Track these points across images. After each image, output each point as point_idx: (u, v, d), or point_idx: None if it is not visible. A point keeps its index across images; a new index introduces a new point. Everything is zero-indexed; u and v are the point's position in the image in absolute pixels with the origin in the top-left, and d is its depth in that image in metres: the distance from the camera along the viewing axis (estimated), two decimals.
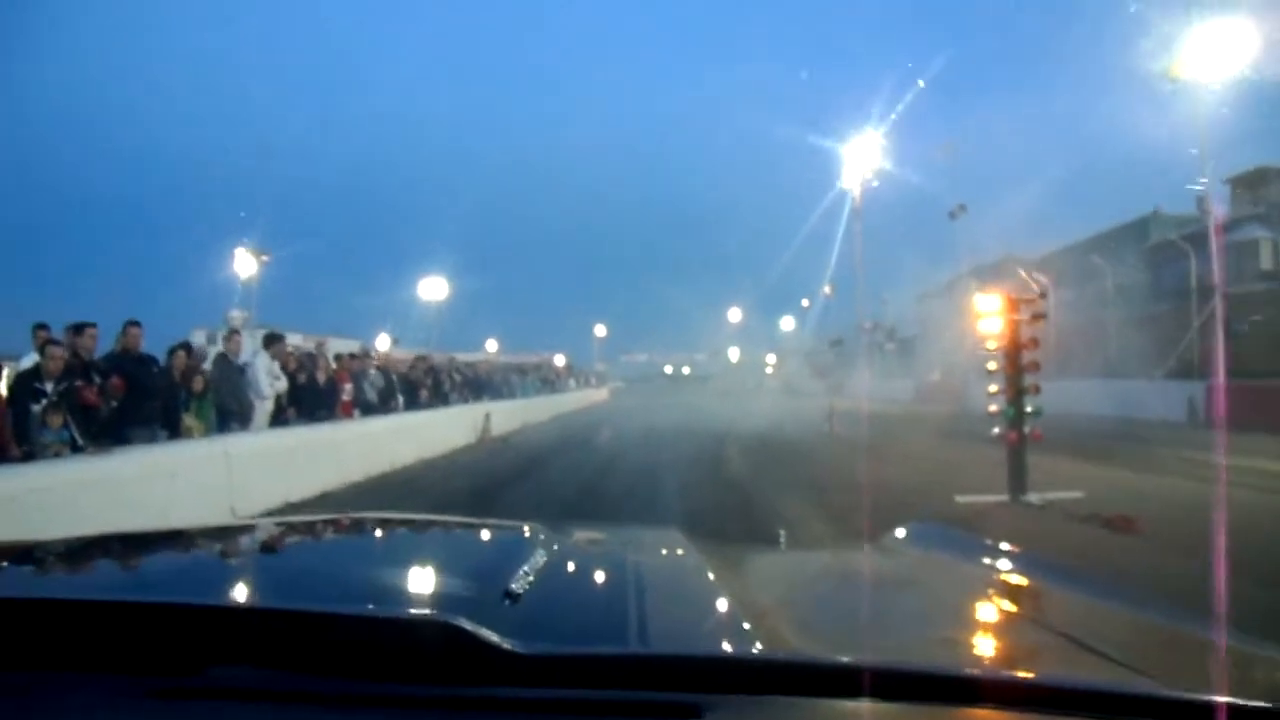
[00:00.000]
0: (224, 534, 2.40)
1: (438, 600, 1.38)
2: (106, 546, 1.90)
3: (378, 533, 2.22)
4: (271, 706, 0.98)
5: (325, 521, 2.45)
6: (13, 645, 1.07)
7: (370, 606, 1.22)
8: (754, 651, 1.21)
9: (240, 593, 1.49)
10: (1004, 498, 9.66)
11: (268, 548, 1.98)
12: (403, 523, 2.34)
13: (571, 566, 1.81)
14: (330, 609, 1.14)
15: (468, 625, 1.02)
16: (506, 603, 1.28)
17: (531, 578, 1.45)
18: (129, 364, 9.75)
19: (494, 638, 1.01)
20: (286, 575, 1.72)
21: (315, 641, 1.05)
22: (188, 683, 1.00)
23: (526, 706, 0.99)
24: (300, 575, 1.69)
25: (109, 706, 0.98)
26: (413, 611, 1.24)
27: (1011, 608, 1.62)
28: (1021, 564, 1.94)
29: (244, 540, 2.10)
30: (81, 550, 1.84)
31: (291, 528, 2.33)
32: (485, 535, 2.22)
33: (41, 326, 9.62)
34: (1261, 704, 0.99)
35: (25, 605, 1.17)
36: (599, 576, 1.79)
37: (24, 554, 1.69)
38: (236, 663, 1.03)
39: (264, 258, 42.19)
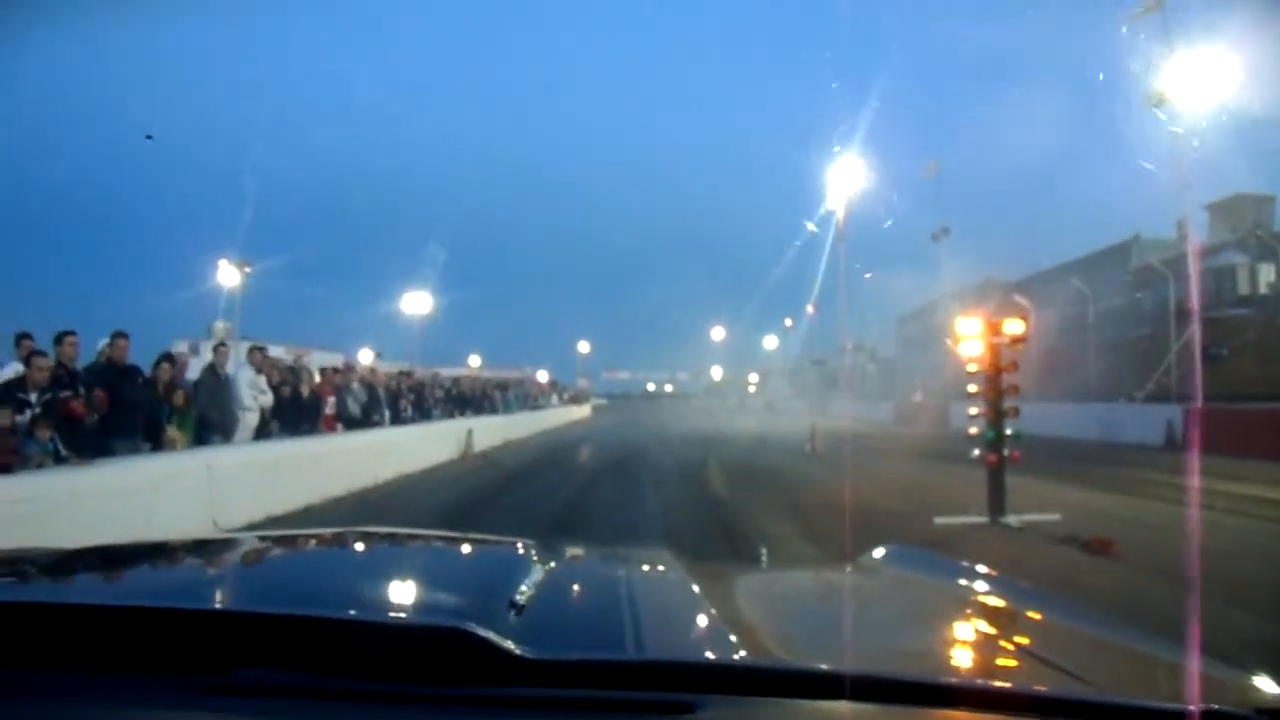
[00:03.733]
0: (235, 545, 2.46)
1: (447, 609, 1.45)
2: (124, 555, 1.98)
3: (383, 547, 2.29)
4: (297, 703, 1.06)
5: (334, 534, 2.52)
6: (46, 646, 1.16)
7: (388, 614, 1.30)
8: (742, 656, 1.29)
9: (263, 599, 1.55)
10: (983, 519, 9.73)
11: (279, 559, 2.07)
12: (405, 537, 2.41)
13: (568, 580, 1.88)
14: (350, 615, 1.23)
15: (479, 631, 1.10)
16: (511, 613, 1.36)
17: (532, 590, 1.53)
18: (114, 375, 9.73)
19: (504, 643, 1.09)
20: (302, 584, 1.79)
21: (337, 645, 1.13)
22: (220, 681, 1.07)
23: (534, 704, 1.07)
24: (315, 584, 1.77)
25: (159, 703, 1.05)
26: (427, 618, 1.31)
27: (981, 625, 1.70)
28: (993, 585, 2.02)
29: (256, 551, 2.17)
30: (102, 558, 1.91)
31: (300, 540, 2.41)
32: (484, 550, 2.30)
33: (25, 336, 9.58)
34: (1181, 707, 1.07)
35: (61, 610, 1.25)
36: (595, 590, 1.87)
37: (47, 561, 1.75)
38: (263, 664, 1.10)
39: (247, 269, 42.05)
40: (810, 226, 44.66)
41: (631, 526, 10.56)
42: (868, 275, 45.19)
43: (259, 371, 12.80)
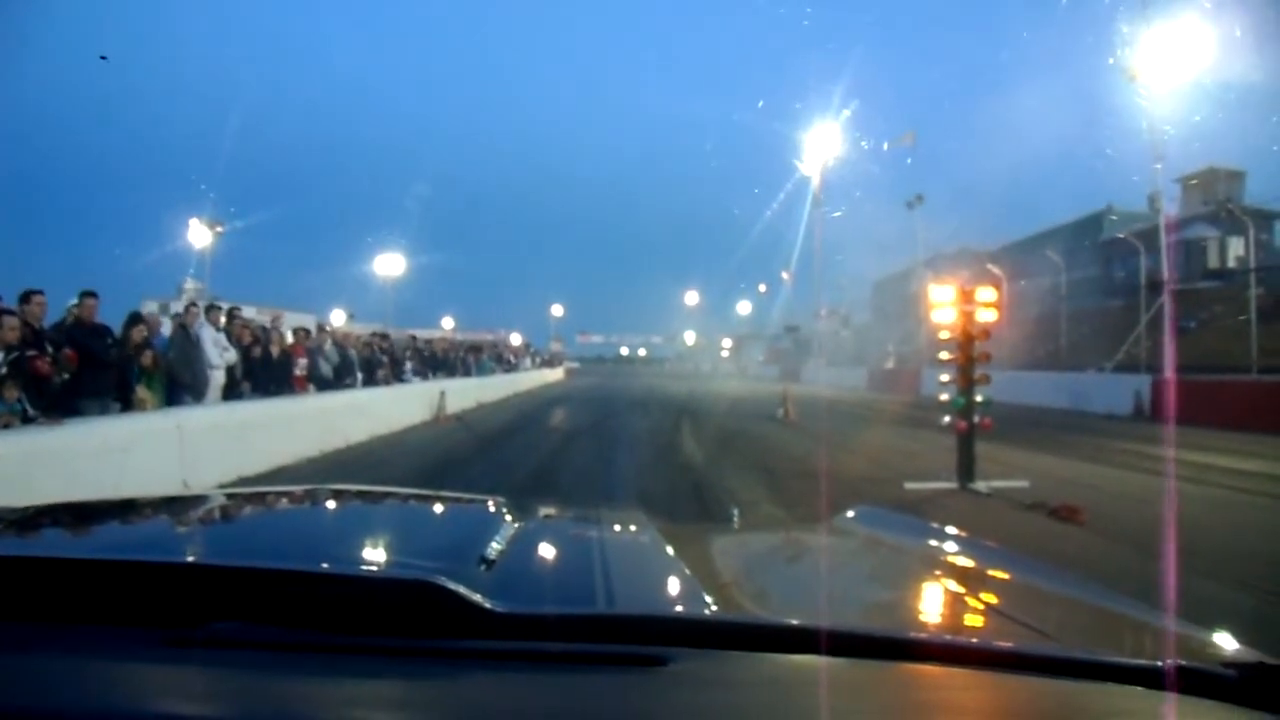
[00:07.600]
0: (205, 501, 2.46)
1: (418, 563, 1.45)
2: (93, 511, 1.97)
3: (354, 503, 2.29)
4: (270, 656, 1.06)
5: (305, 491, 2.51)
6: (25, 599, 1.15)
7: (358, 568, 1.30)
8: (714, 611, 1.30)
9: (235, 554, 1.55)
10: (952, 485, 9.84)
11: (250, 514, 2.05)
12: (377, 495, 2.41)
13: (540, 537, 1.88)
14: (321, 569, 1.23)
15: (450, 584, 1.10)
16: (482, 567, 1.37)
17: (503, 546, 1.53)
18: (83, 335, 9.61)
19: (475, 596, 1.10)
20: (273, 539, 1.79)
21: (307, 598, 1.13)
22: (193, 634, 1.07)
23: (505, 657, 1.06)
24: (287, 539, 1.77)
25: (128, 655, 1.04)
26: (397, 572, 1.31)
27: (952, 584, 1.73)
28: (963, 545, 2.05)
29: (226, 507, 2.16)
30: (71, 514, 1.89)
31: (271, 496, 2.39)
32: (455, 508, 2.30)
33: None
34: (1145, 663, 1.10)
35: (37, 563, 1.25)
36: (567, 546, 1.87)
37: (13, 517, 1.73)
38: (235, 618, 1.10)
39: (218, 229, 41.64)
40: (788, 186, 44.40)
41: (605, 488, 10.59)
42: (836, 214, 44.88)
43: (218, 329, 12.66)
